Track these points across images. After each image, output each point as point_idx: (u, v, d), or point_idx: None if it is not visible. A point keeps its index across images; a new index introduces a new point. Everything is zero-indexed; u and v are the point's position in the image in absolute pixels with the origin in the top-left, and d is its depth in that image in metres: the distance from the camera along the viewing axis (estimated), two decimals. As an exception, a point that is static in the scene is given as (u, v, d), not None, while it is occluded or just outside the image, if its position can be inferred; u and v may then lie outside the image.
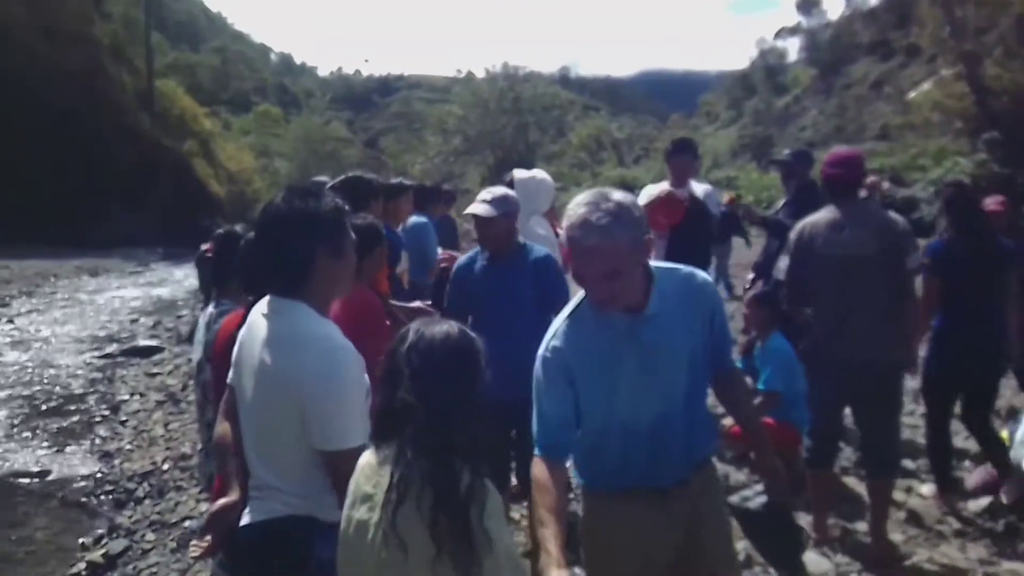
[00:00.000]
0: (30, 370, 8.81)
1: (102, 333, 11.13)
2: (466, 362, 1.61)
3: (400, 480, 1.51)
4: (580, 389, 1.95)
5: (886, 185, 13.10)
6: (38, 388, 8.06)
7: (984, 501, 3.94)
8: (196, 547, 2.06)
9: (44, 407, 7.38)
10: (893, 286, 3.34)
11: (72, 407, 7.39)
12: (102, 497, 5.18)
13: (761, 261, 5.33)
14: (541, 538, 1.74)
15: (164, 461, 5.64)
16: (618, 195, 1.87)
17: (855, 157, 3.60)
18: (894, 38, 28.75)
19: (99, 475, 5.57)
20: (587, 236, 1.79)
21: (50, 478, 5.57)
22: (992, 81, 16.55)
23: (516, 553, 1.67)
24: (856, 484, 4.19)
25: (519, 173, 4.42)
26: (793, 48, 43.95)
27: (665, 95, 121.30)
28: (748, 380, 3.97)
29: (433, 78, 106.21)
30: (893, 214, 3.51)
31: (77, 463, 5.87)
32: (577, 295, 2.05)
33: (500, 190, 3.46)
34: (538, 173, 4.58)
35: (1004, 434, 4.24)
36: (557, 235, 4.40)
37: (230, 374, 2.02)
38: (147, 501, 5.00)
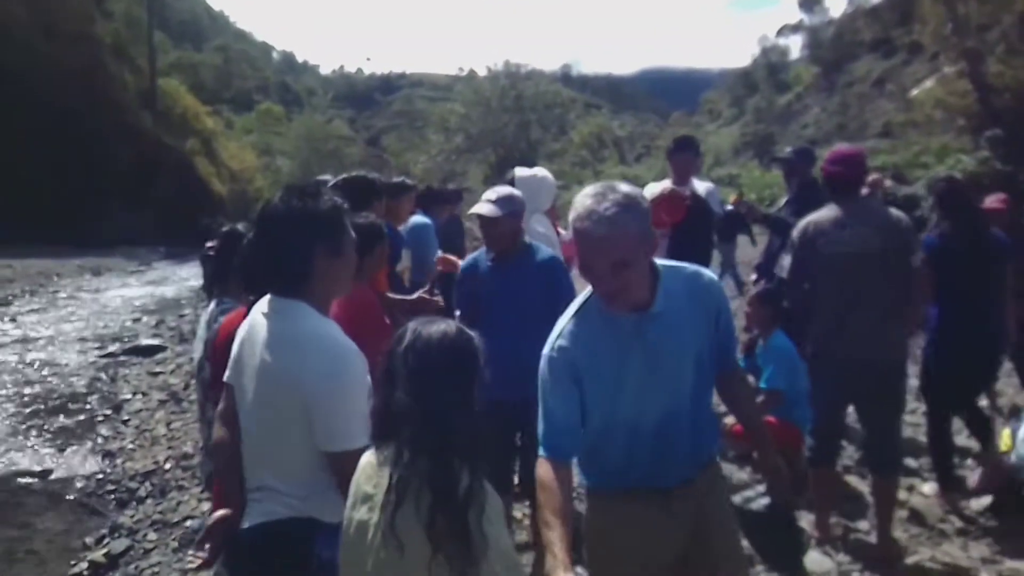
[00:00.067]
0: (32, 369, 8.81)
1: (104, 332, 11.13)
2: (464, 362, 1.60)
3: (399, 481, 1.51)
4: (585, 388, 1.94)
5: (888, 183, 13.07)
6: (40, 387, 8.06)
7: (986, 499, 3.94)
8: (195, 558, 2.06)
9: (46, 406, 7.38)
10: (896, 284, 3.33)
11: (74, 406, 7.39)
12: (104, 496, 5.18)
13: (763, 261, 5.33)
14: (547, 540, 1.72)
15: (166, 460, 5.64)
16: (625, 187, 1.87)
17: (857, 155, 3.59)
18: (896, 35, 28.67)
19: (101, 474, 5.57)
20: (596, 226, 1.78)
21: (52, 477, 5.57)
22: (994, 78, 16.50)
23: (514, 556, 1.67)
24: (858, 483, 4.19)
25: (520, 171, 4.41)
26: (795, 46, 43.84)
27: (667, 93, 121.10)
28: (750, 379, 3.96)
29: (435, 76, 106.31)
30: (896, 211, 3.50)
31: (79, 462, 5.87)
32: (582, 294, 2.03)
33: (506, 190, 3.43)
34: (539, 171, 4.57)
35: (1006, 432, 4.23)
36: (558, 234, 4.39)
37: (227, 373, 2.01)
38: (149, 500, 5.00)
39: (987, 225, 4.06)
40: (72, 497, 5.20)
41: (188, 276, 17.67)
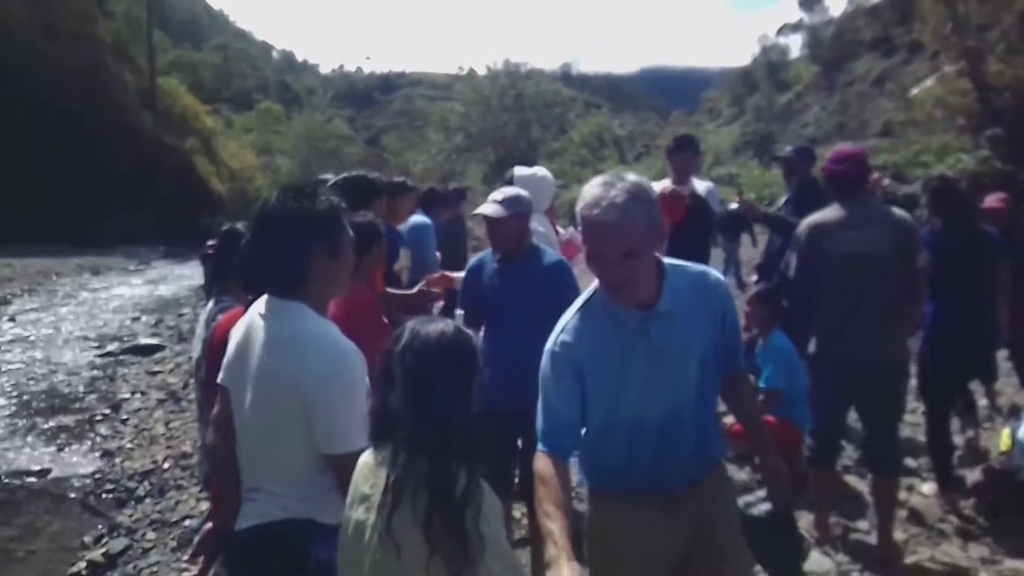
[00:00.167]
0: (31, 368, 8.80)
1: (103, 331, 11.12)
2: (462, 362, 1.59)
3: (396, 482, 1.50)
4: (588, 384, 1.92)
5: (887, 181, 13.07)
6: (39, 386, 8.06)
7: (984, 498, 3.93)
8: (189, 567, 2.05)
9: (45, 405, 7.37)
10: (899, 284, 3.32)
11: (73, 405, 7.38)
12: (103, 496, 5.17)
13: (764, 261, 5.32)
14: (547, 530, 1.70)
15: (165, 460, 5.64)
16: (633, 176, 1.86)
17: (859, 154, 3.58)
18: (896, 34, 28.71)
19: (100, 474, 5.56)
20: (605, 213, 1.76)
21: (51, 476, 5.56)
22: (994, 77, 16.53)
23: (513, 555, 1.66)
24: (858, 483, 4.18)
25: (520, 170, 4.40)
26: (795, 45, 43.91)
27: (667, 92, 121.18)
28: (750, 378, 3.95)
29: (435, 75, 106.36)
30: (899, 211, 3.49)
31: (78, 461, 5.86)
32: (587, 290, 2.02)
33: (512, 190, 3.39)
34: (539, 170, 4.56)
35: (1006, 432, 4.23)
36: (557, 233, 4.39)
37: (221, 375, 1.99)
38: (148, 500, 5.00)
39: (981, 222, 4.07)
40: (71, 496, 5.20)
41: (188, 275, 17.65)
